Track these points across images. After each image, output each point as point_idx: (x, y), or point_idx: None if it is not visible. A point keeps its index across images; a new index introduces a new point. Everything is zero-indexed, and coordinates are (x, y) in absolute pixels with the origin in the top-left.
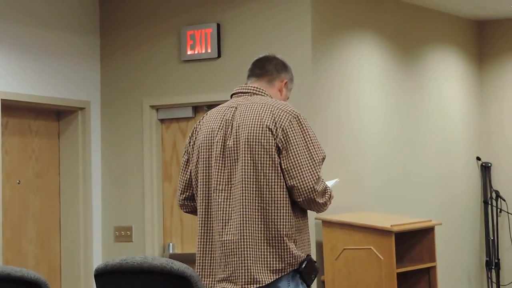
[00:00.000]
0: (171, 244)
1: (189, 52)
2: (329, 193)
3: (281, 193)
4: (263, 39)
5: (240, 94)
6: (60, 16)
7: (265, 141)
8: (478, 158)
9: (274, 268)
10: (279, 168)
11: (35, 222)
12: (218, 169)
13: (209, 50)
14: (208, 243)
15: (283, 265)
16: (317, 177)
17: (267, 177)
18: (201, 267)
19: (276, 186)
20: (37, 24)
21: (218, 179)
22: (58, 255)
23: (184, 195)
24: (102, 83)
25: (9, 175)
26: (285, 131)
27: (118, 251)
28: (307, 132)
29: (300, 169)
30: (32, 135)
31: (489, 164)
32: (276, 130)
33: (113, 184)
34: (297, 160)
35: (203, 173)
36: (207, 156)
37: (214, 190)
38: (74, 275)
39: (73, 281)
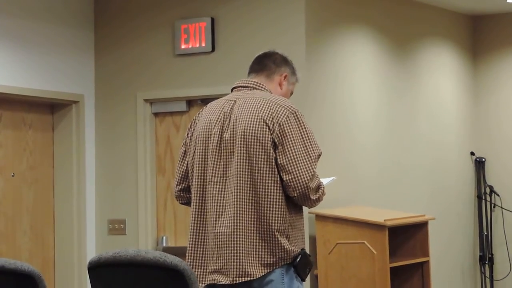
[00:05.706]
0: (164, 237)
1: (183, 46)
2: (322, 189)
3: (275, 187)
4: (257, 33)
5: (240, 88)
6: (54, 9)
7: (261, 135)
8: (472, 153)
9: (266, 262)
10: (273, 163)
11: (29, 215)
12: (214, 161)
13: (203, 44)
14: (200, 234)
15: (274, 259)
16: (312, 173)
17: (261, 171)
18: (192, 257)
19: (269, 181)
20: (31, 17)
21: (214, 171)
22: (52, 247)
23: (180, 187)
24: (96, 76)
25: (3, 168)
26: (282, 126)
27: (111, 244)
28: (304, 128)
29: (296, 164)
30: (26, 128)
31: (483, 159)
32: (273, 125)
33: (107, 177)
34: (293, 156)
35: (199, 164)
36: (204, 148)
37: (209, 182)
38: (67, 268)
39: (67, 273)
